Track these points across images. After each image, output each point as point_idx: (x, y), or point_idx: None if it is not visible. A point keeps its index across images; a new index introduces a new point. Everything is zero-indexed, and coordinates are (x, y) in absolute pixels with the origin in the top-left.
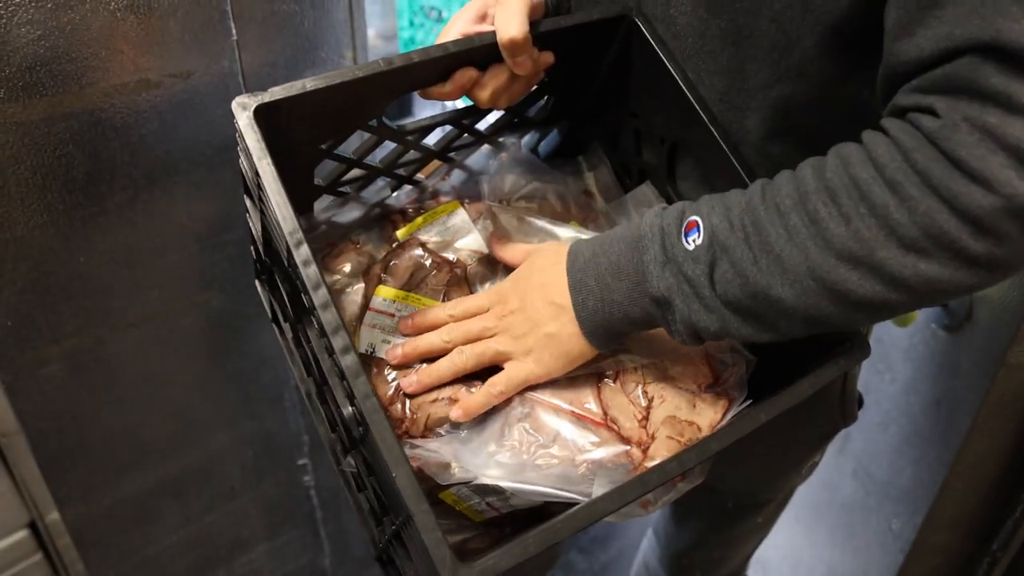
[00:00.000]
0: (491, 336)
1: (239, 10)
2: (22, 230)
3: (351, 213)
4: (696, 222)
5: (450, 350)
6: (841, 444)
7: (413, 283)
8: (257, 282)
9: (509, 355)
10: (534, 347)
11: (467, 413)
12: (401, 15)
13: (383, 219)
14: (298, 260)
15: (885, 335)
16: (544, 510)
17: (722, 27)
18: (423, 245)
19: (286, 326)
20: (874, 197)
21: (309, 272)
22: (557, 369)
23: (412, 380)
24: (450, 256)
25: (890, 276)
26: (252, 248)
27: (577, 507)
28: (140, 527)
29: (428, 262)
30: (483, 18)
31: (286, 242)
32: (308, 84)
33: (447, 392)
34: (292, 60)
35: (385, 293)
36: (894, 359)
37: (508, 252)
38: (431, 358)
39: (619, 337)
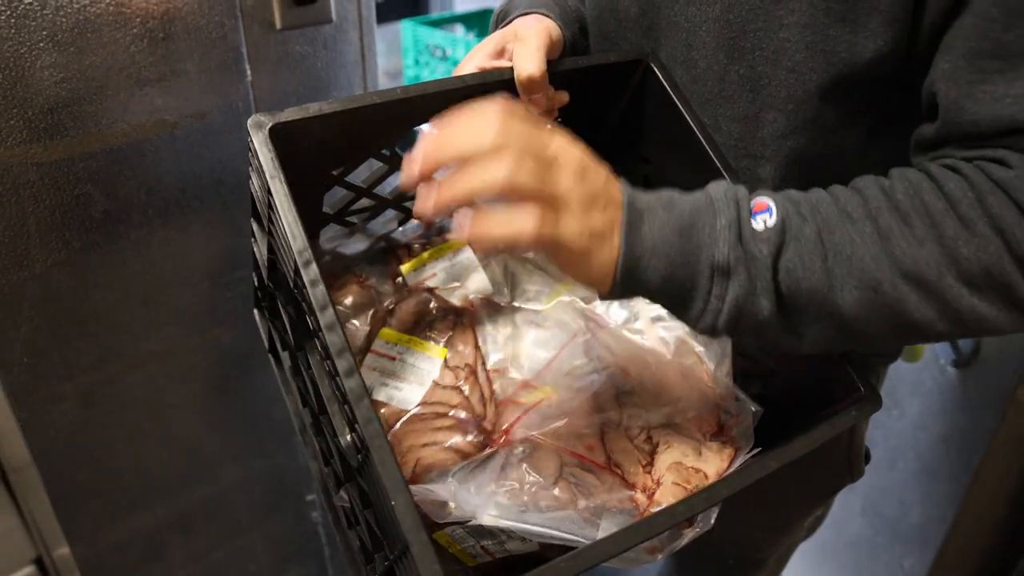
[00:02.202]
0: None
1: (253, 52)
2: (40, 268)
3: (356, 245)
4: (767, 204)
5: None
6: None
7: (418, 329)
8: (256, 311)
9: (546, 198)
10: (569, 230)
11: (434, 207)
12: (406, 53)
13: (387, 253)
14: (306, 279)
15: (892, 371)
16: (538, 556)
17: (741, 73)
18: (431, 291)
19: (284, 355)
20: (946, 228)
21: (317, 292)
22: (573, 260)
23: (427, 204)
24: (456, 295)
25: (945, 304)
26: (254, 275)
27: (582, 547)
28: (149, 563)
29: (433, 308)
30: (501, 53)
31: (294, 261)
32: (324, 107)
33: (441, 437)
34: (304, 100)
35: (387, 335)
36: (901, 395)
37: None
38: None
39: (632, 295)
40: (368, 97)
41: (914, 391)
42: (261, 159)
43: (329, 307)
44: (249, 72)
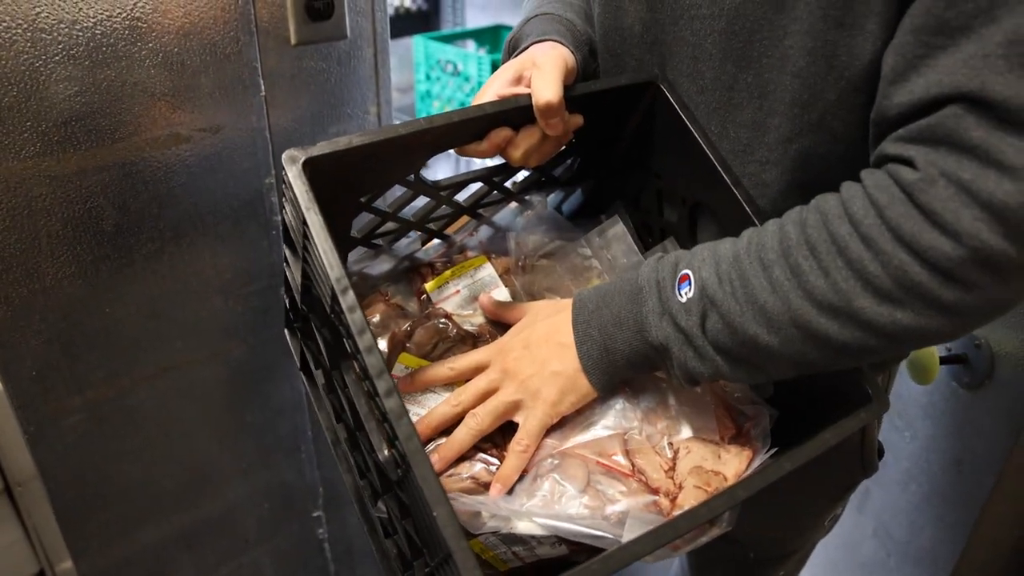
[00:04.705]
0: (497, 388)
1: (268, 67)
2: (51, 281)
3: (381, 266)
4: (688, 275)
5: (462, 415)
6: (860, 502)
7: (436, 354)
8: (287, 330)
9: (519, 403)
10: (541, 386)
11: (507, 484)
12: (418, 68)
13: (411, 272)
14: (344, 306)
15: (904, 392)
16: (567, 560)
17: (749, 82)
18: (448, 316)
19: (318, 373)
20: (850, 252)
21: (355, 317)
22: (567, 405)
23: (435, 459)
24: (471, 321)
25: (867, 324)
26: (286, 297)
27: (612, 549)
28: None
29: (452, 332)
30: (519, 80)
31: (332, 289)
32: (354, 140)
33: (465, 470)
34: (318, 116)
35: (407, 361)
36: (913, 416)
37: (508, 310)
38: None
39: (621, 379)
40: (395, 129)
41: (926, 413)
42: (296, 192)
43: (367, 331)
44: (263, 87)
